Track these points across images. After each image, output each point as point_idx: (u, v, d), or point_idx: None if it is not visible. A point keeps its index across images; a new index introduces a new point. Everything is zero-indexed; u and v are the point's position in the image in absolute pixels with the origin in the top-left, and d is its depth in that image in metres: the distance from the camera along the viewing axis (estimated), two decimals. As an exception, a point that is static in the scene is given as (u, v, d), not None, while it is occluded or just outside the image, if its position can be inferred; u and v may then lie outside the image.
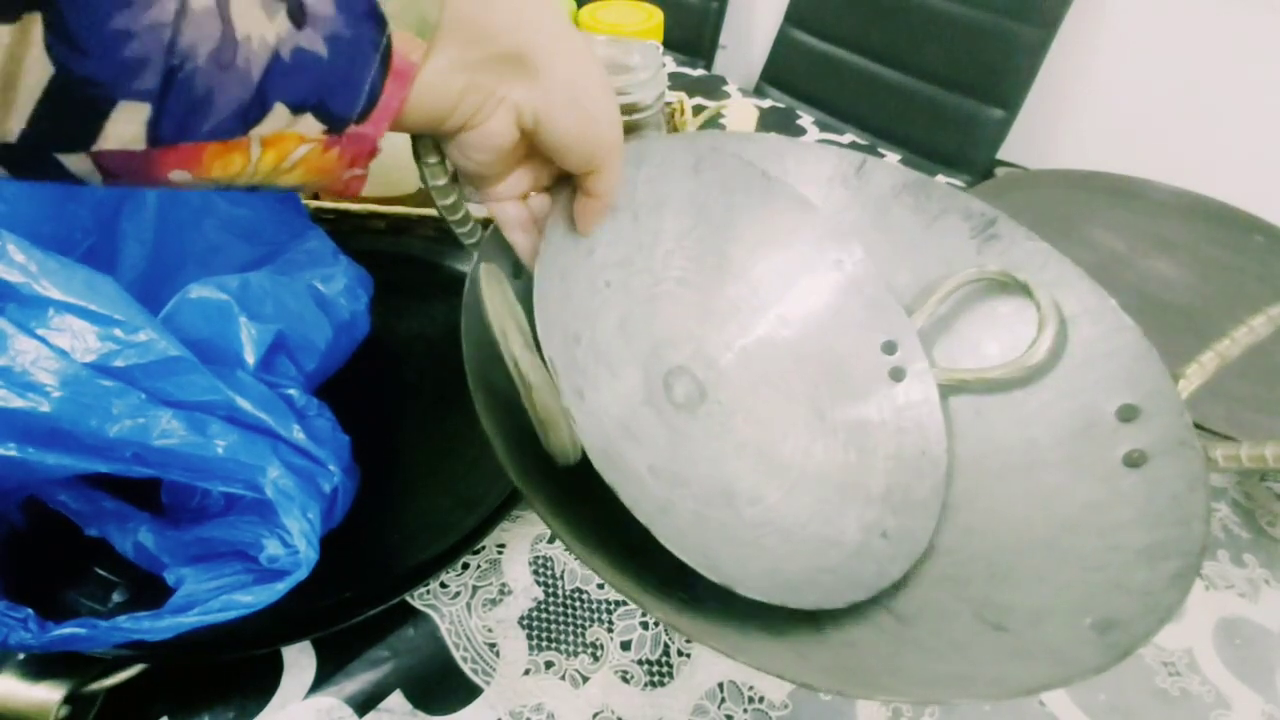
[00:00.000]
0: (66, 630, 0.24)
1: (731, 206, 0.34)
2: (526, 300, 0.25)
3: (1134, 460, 0.27)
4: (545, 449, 0.22)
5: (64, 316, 0.24)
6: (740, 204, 0.34)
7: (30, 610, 0.24)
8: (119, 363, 0.24)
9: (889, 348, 0.33)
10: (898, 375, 0.33)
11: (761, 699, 0.31)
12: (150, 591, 0.28)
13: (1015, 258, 0.33)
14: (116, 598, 0.29)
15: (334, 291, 0.35)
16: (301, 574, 0.25)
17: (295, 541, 0.26)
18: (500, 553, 0.35)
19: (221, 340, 0.28)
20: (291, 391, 0.29)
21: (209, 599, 0.25)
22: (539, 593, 0.33)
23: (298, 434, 0.27)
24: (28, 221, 0.27)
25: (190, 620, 0.24)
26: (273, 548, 0.27)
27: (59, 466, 0.24)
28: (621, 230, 0.31)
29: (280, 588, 0.25)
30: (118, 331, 0.24)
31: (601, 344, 0.30)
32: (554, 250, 0.26)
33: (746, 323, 0.35)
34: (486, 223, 0.28)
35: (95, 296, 0.24)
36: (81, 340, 0.24)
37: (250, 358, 0.28)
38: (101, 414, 0.24)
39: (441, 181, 0.25)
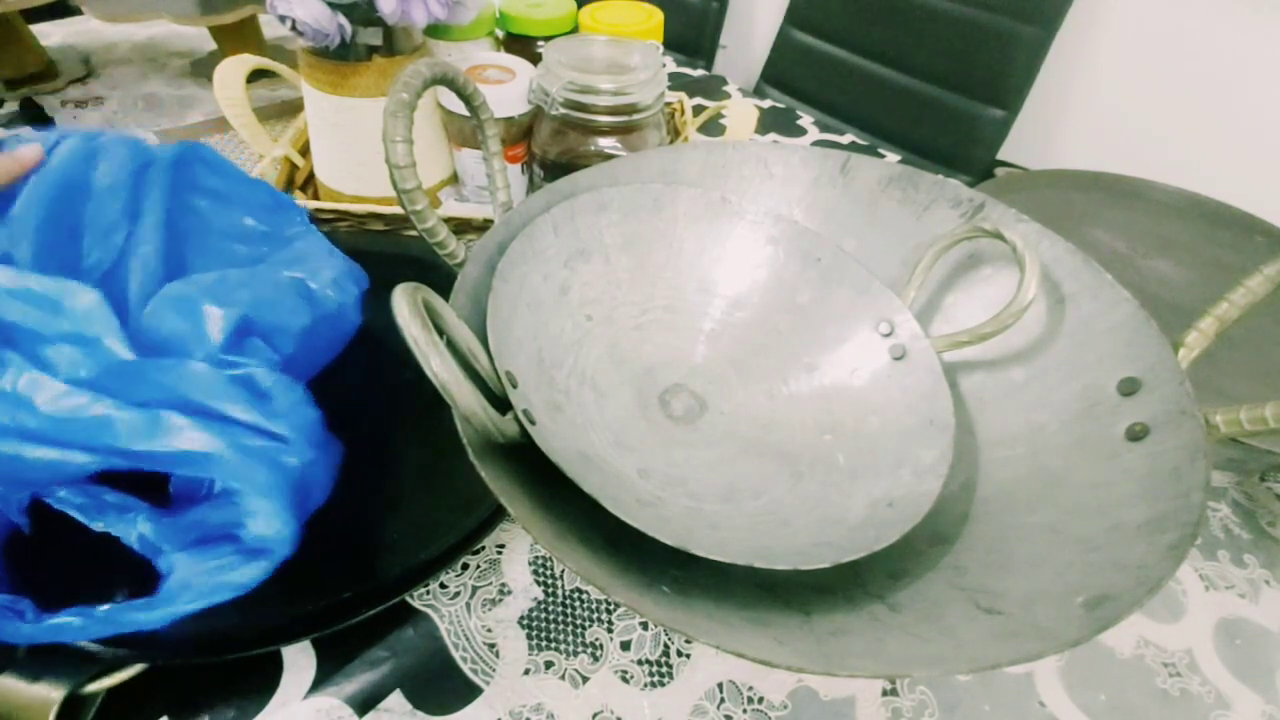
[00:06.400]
0: (61, 620, 0.23)
1: (702, 235, 0.36)
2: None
3: (1136, 434, 0.27)
4: (468, 433, 0.23)
5: (52, 344, 0.25)
6: (708, 231, 0.36)
7: (29, 600, 0.24)
8: (84, 373, 0.25)
9: (885, 329, 0.33)
10: (898, 354, 0.33)
11: (761, 699, 0.31)
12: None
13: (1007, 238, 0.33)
14: (120, 600, 0.29)
15: (320, 283, 0.35)
16: (282, 552, 0.25)
17: (266, 522, 0.25)
18: (500, 553, 0.35)
19: (189, 330, 0.29)
20: (256, 371, 0.29)
21: (200, 583, 0.25)
22: (538, 593, 0.33)
23: (247, 413, 0.27)
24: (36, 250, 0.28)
25: (183, 607, 0.24)
26: (255, 527, 0.27)
27: (60, 464, 0.24)
28: (595, 271, 0.34)
29: (264, 565, 0.25)
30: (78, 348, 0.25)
31: (588, 369, 0.32)
32: (514, 286, 0.29)
33: (740, 334, 0.36)
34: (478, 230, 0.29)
35: (69, 313, 0.25)
36: (62, 355, 0.25)
37: (215, 337, 0.28)
38: (81, 425, 0.24)
39: (420, 206, 0.27)
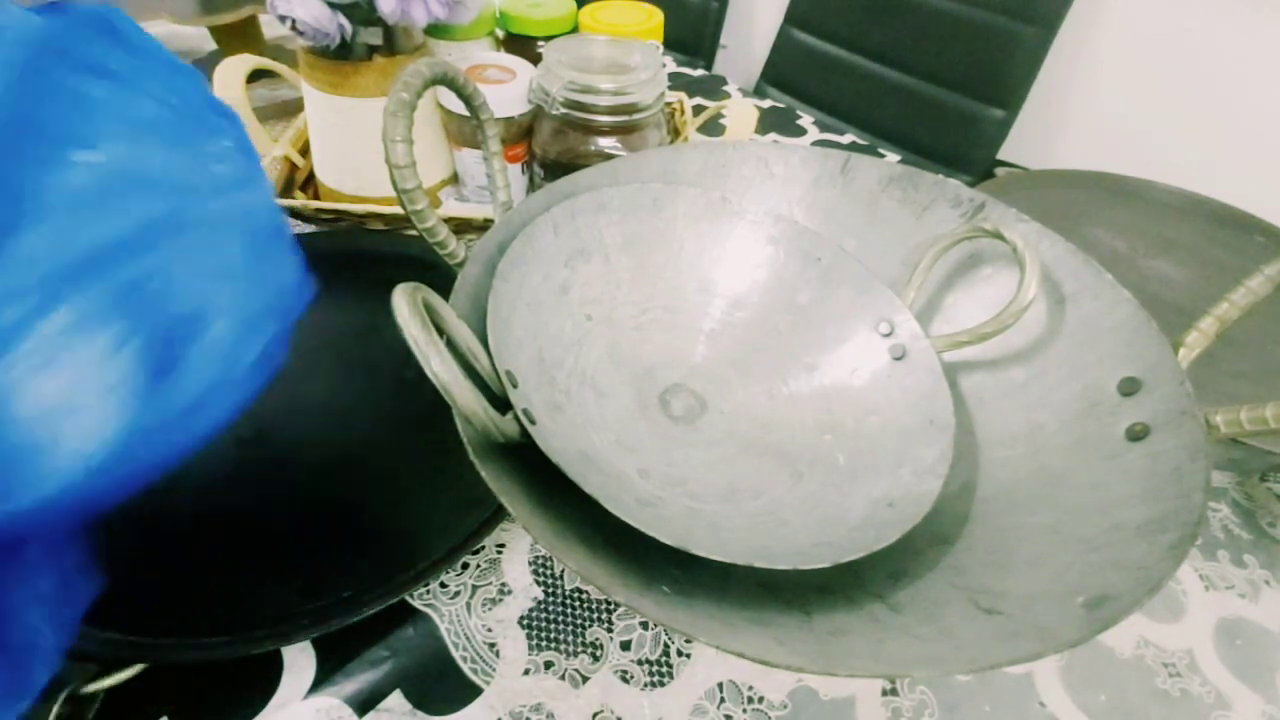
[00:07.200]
0: None
1: (702, 235, 0.36)
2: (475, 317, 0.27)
3: (1136, 434, 0.27)
4: (469, 433, 0.23)
5: None
6: (708, 231, 0.36)
7: None
8: None
9: (885, 329, 0.33)
10: (898, 354, 0.33)
11: (761, 699, 0.31)
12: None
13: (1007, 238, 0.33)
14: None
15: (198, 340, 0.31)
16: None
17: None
18: (500, 553, 0.35)
19: None
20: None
21: None
22: (539, 592, 0.33)
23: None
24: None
25: None
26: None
27: None
28: (595, 271, 0.34)
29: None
30: None
31: (588, 369, 0.32)
32: (514, 286, 0.29)
33: (740, 334, 0.36)
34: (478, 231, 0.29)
35: None
36: None
37: None
38: None
39: (420, 206, 0.27)
